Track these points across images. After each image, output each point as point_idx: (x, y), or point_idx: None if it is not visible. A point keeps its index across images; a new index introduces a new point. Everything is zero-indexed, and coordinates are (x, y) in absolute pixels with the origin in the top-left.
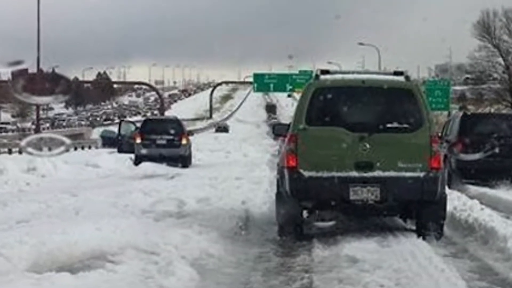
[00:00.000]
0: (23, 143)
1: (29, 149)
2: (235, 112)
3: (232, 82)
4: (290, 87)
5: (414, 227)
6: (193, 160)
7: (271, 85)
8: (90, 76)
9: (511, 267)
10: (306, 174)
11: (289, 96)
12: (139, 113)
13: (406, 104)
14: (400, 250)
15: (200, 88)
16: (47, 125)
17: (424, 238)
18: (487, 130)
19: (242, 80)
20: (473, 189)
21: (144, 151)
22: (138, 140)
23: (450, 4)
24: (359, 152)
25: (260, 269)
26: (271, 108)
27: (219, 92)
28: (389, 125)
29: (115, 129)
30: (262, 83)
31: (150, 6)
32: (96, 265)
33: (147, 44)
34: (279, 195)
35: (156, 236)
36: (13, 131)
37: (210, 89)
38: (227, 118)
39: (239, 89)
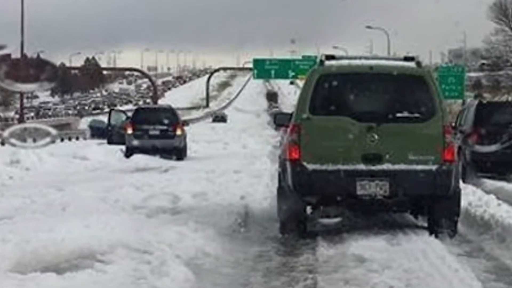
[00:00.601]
0: (5, 133)
1: (12, 140)
2: (233, 100)
3: (230, 69)
4: (293, 73)
5: (425, 224)
6: (188, 152)
7: (272, 72)
8: (78, 62)
9: None
10: (310, 167)
11: (291, 83)
12: (131, 102)
13: (418, 92)
14: (411, 249)
15: (196, 74)
16: (32, 114)
17: (436, 236)
18: (504, 119)
19: (241, 66)
20: (490, 183)
21: (135, 142)
22: (130, 131)
23: None
24: (366, 144)
25: (261, 269)
26: (272, 96)
27: (217, 79)
28: (399, 115)
29: (104, 118)
30: (262, 69)
31: None
32: (84, 265)
33: (139, 28)
34: (280, 189)
35: (149, 234)
36: None
37: (207, 75)
38: (225, 107)
39: (238, 75)
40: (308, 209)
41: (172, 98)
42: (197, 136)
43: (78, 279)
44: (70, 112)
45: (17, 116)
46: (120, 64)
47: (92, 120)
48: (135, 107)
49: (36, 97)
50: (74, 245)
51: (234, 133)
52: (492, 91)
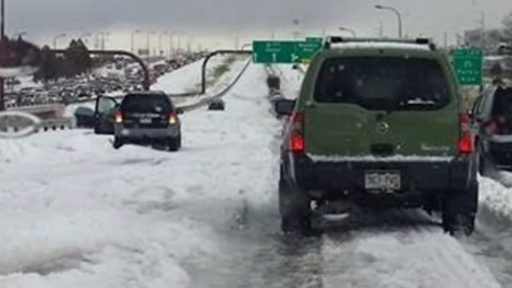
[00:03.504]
0: None
1: None
2: (231, 86)
3: (228, 52)
4: (296, 57)
5: (440, 221)
6: (182, 142)
7: (274, 55)
8: (63, 45)
9: None
10: (315, 158)
11: (294, 67)
12: (120, 88)
13: (431, 77)
14: (424, 247)
15: (191, 58)
16: (13, 101)
17: (452, 233)
18: None
19: (240, 49)
20: (509, 176)
21: (125, 131)
22: (119, 119)
23: None
24: (376, 133)
25: (261, 269)
26: (273, 82)
27: (213, 63)
28: (411, 102)
29: (92, 106)
30: (263, 52)
31: None
32: (69, 264)
33: (129, 7)
34: (283, 183)
35: (140, 231)
36: None
37: (203, 59)
38: (222, 94)
39: (237, 59)
40: (313, 204)
41: (165, 84)
42: (192, 125)
43: (63, 280)
44: (54, 99)
45: None
46: (109, 46)
47: (78, 108)
48: (124, 94)
49: (18, 82)
50: (58, 243)
51: (232, 122)
52: None
